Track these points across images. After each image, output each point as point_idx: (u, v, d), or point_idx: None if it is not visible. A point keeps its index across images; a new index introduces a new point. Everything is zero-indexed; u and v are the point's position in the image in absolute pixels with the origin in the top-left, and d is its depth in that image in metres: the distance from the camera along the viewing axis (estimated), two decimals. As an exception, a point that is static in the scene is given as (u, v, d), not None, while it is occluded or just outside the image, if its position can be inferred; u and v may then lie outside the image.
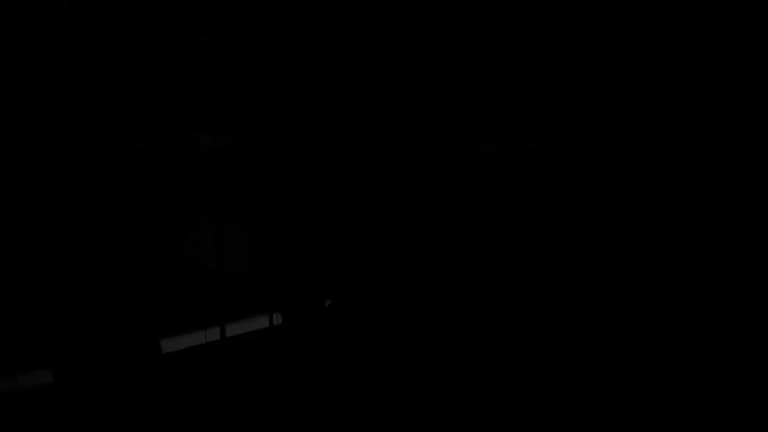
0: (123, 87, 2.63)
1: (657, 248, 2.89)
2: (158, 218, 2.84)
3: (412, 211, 3.39)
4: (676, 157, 2.81)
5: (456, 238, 3.39)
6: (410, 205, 3.38)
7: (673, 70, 2.75)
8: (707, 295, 2.76)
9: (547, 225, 3.17)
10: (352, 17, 2.96)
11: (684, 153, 2.80)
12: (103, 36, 2.53)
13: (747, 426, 2.37)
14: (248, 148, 3.01)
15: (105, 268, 2.70)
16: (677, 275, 2.84)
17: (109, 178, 2.65)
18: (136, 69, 2.64)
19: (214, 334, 3.10)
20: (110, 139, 2.61)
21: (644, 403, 2.56)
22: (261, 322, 3.27)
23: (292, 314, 3.30)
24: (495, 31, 2.98)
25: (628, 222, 2.96)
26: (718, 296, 2.74)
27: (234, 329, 3.17)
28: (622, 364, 2.80)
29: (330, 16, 2.93)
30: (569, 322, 3.09)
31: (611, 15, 2.82)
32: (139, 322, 2.82)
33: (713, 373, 2.63)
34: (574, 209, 3.08)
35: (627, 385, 2.67)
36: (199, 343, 3.05)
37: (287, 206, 3.20)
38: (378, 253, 3.41)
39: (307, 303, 3.32)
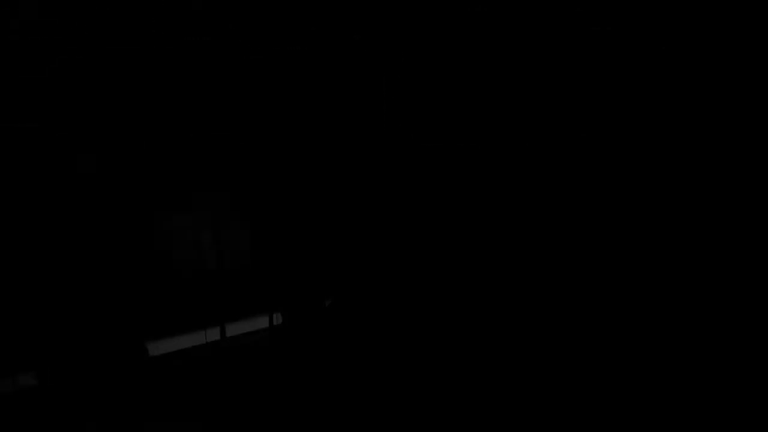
0: (123, 87, 2.63)
1: (656, 248, 2.89)
2: (158, 218, 2.84)
3: (412, 211, 3.39)
4: (676, 157, 2.81)
5: (456, 238, 3.39)
6: (410, 205, 3.38)
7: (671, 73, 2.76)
8: (707, 295, 2.76)
9: (546, 225, 3.18)
10: (352, 17, 2.96)
11: (684, 153, 2.80)
12: (102, 36, 2.53)
13: (747, 426, 2.37)
14: (248, 148, 3.01)
15: (104, 269, 2.70)
16: (676, 275, 2.84)
17: (109, 177, 2.65)
18: (136, 69, 2.64)
19: (214, 334, 3.10)
20: (110, 139, 2.62)
21: (644, 403, 2.56)
22: (261, 322, 3.27)
23: (292, 314, 3.30)
24: (495, 32, 2.98)
25: (627, 222, 2.96)
26: (717, 295, 2.74)
27: (234, 329, 3.17)
28: (622, 364, 2.80)
29: (330, 16, 2.93)
30: (569, 322, 3.09)
31: (614, 17, 2.82)
32: (138, 322, 2.83)
33: (713, 373, 2.63)
34: (573, 209, 3.09)
35: (627, 385, 2.67)
36: (199, 343, 3.05)
37: (287, 206, 3.20)
38: (378, 253, 3.41)
39: (307, 303, 3.32)
